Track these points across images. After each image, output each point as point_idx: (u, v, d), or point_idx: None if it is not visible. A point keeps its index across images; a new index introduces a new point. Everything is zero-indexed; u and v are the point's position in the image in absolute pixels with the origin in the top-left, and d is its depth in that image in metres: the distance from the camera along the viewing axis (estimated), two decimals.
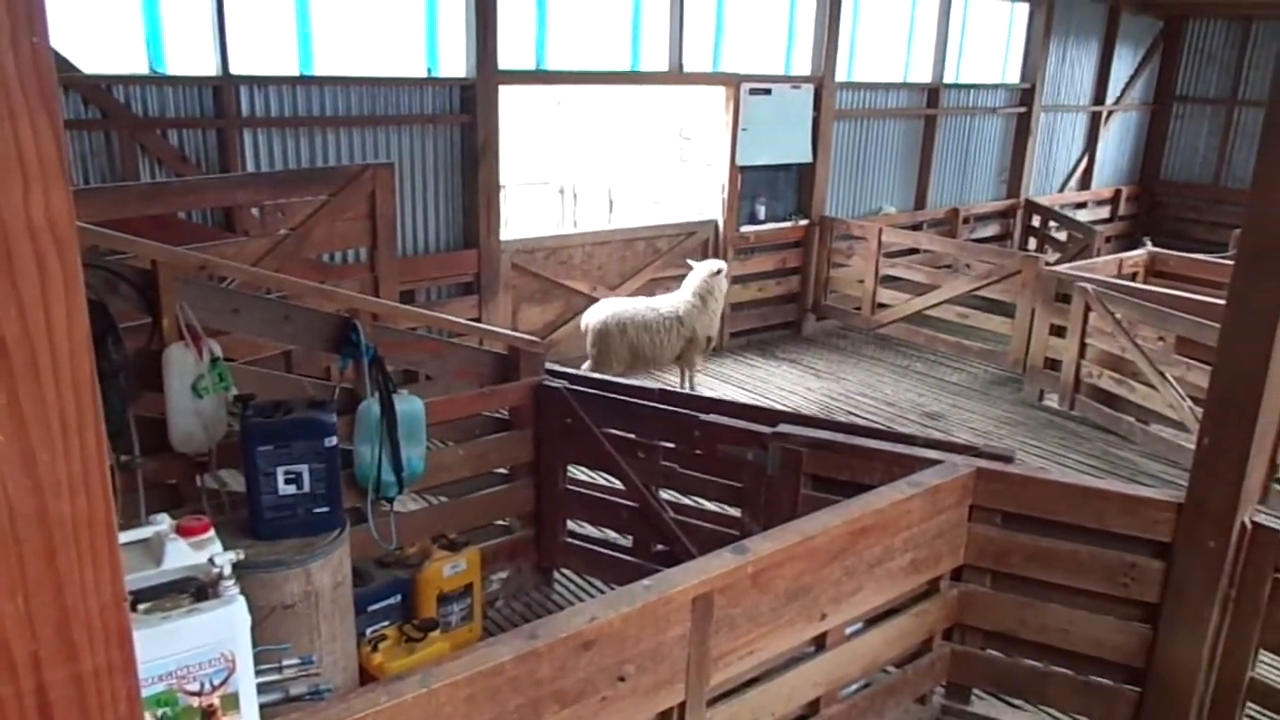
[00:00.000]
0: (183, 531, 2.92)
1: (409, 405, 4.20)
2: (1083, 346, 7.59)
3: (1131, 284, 7.77)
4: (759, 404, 7.20)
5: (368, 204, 4.77)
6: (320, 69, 6.43)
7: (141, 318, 3.75)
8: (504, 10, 7.06)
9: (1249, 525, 3.05)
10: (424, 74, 6.93)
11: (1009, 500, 3.38)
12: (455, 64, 7.05)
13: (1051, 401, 8.06)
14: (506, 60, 7.23)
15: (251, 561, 3.25)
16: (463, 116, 7.12)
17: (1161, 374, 6.83)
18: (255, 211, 5.28)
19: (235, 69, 6.04)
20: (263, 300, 4.09)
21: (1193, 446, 3.15)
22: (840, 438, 3.82)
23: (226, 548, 2.39)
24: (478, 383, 4.80)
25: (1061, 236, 11.94)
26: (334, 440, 3.61)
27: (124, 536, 2.68)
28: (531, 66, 7.57)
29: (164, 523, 3.08)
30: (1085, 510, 3.27)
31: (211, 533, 2.97)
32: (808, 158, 9.53)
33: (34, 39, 0.85)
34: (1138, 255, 9.04)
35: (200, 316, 3.81)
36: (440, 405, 4.41)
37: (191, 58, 5.93)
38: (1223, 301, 3.02)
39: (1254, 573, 3.06)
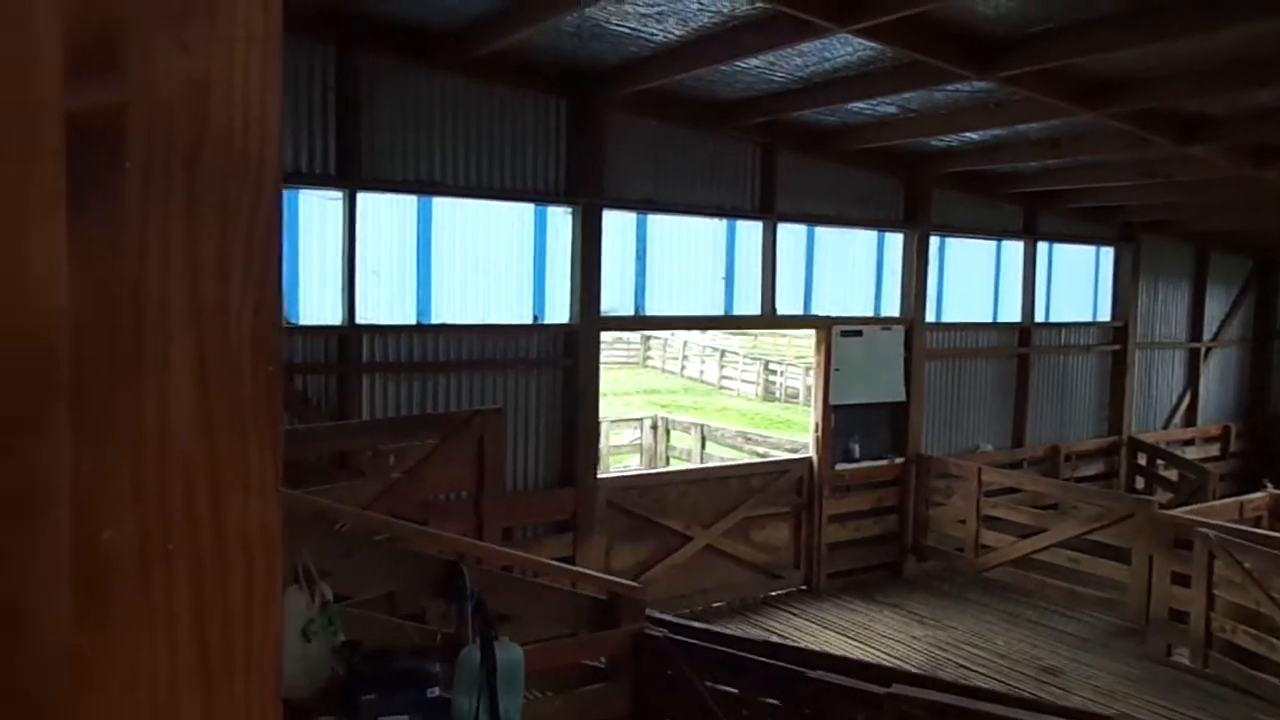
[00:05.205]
0: None
1: (509, 653, 4.13)
2: (1210, 598, 7.11)
3: (1259, 531, 7.36)
4: (863, 655, 6.87)
5: (476, 448, 4.96)
6: (437, 317, 6.88)
7: None
8: (606, 259, 7.54)
9: None
10: (530, 320, 7.34)
11: None
12: (560, 310, 7.46)
13: (1181, 657, 7.46)
14: (608, 304, 7.64)
15: None
16: (565, 360, 7.45)
17: None
18: (370, 454, 5.51)
19: (360, 318, 6.50)
20: (375, 545, 4.18)
21: None
22: (962, 701, 3.60)
23: None
24: (574, 628, 4.72)
25: (1171, 476, 11.51)
26: (437, 691, 3.56)
27: None
28: (631, 311, 7.96)
29: None
30: None
31: None
32: (901, 396, 9.57)
33: (270, 368, 0.95)
34: (1260, 498, 8.62)
35: (313, 559, 3.90)
36: (539, 653, 4.33)
37: (321, 309, 6.43)
38: None
39: None
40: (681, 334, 29.47)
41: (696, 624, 4.92)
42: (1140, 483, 11.73)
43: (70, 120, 0.85)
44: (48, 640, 0.87)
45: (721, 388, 28.83)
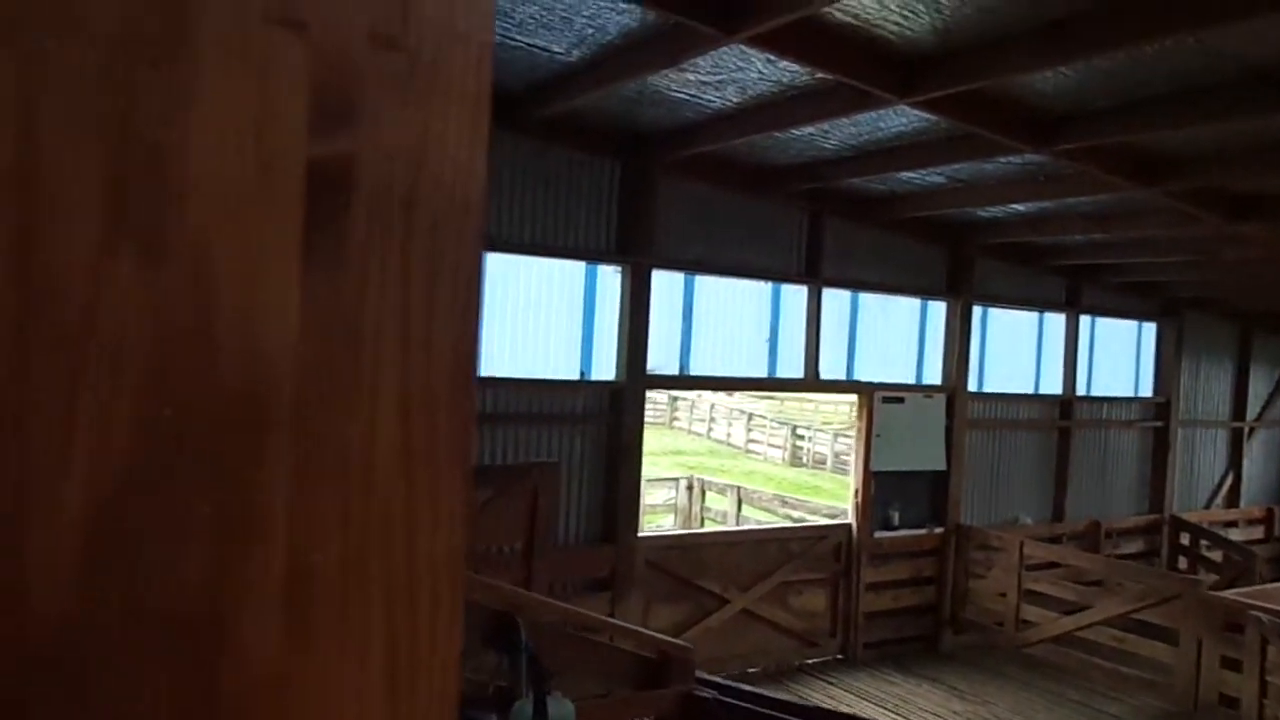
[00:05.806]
0: None
1: (561, 709, 4.10)
2: (1264, 684, 6.92)
3: None
4: None
5: (530, 501, 4.98)
6: (486, 370, 6.94)
7: None
8: (654, 319, 7.61)
9: None
10: (578, 376, 7.39)
11: None
12: (607, 367, 7.51)
13: None
14: (653, 363, 7.69)
15: None
16: (610, 417, 7.48)
17: None
18: None
19: None
20: None
21: None
22: None
23: None
24: (622, 686, 4.68)
25: (1215, 557, 11.27)
26: None
27: None
28: (676, 371, 8.01)
29: None
30: None
31: None
32: (942, 465, 9.49)
33: (465, 403, 1.00)
34: None
35: None
36: (589, 709, 4.29)
37: None
38: None
39: None
40: (709, 395, 29.37)
41: (745, 687, 4.86)
42: (1183, 563, 11.49)
43: (309, 168, 0.92)
44: (255, 658, 0.91)
45: (748, 451, 28.64)
